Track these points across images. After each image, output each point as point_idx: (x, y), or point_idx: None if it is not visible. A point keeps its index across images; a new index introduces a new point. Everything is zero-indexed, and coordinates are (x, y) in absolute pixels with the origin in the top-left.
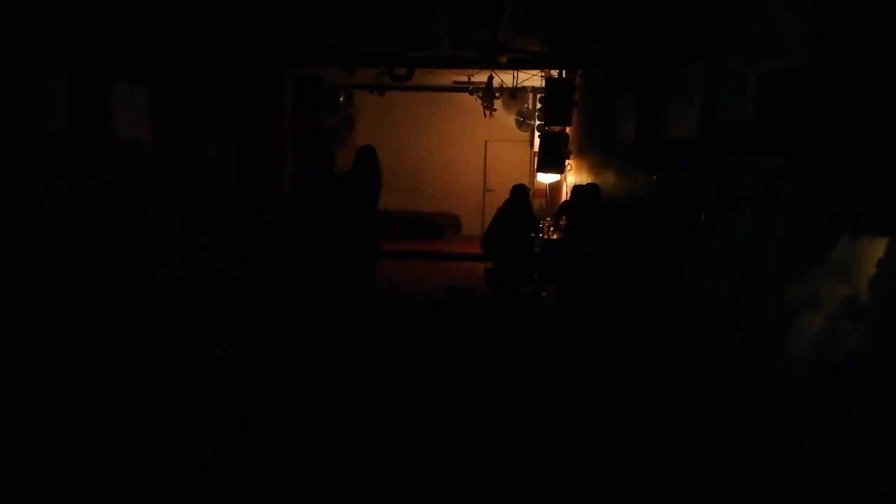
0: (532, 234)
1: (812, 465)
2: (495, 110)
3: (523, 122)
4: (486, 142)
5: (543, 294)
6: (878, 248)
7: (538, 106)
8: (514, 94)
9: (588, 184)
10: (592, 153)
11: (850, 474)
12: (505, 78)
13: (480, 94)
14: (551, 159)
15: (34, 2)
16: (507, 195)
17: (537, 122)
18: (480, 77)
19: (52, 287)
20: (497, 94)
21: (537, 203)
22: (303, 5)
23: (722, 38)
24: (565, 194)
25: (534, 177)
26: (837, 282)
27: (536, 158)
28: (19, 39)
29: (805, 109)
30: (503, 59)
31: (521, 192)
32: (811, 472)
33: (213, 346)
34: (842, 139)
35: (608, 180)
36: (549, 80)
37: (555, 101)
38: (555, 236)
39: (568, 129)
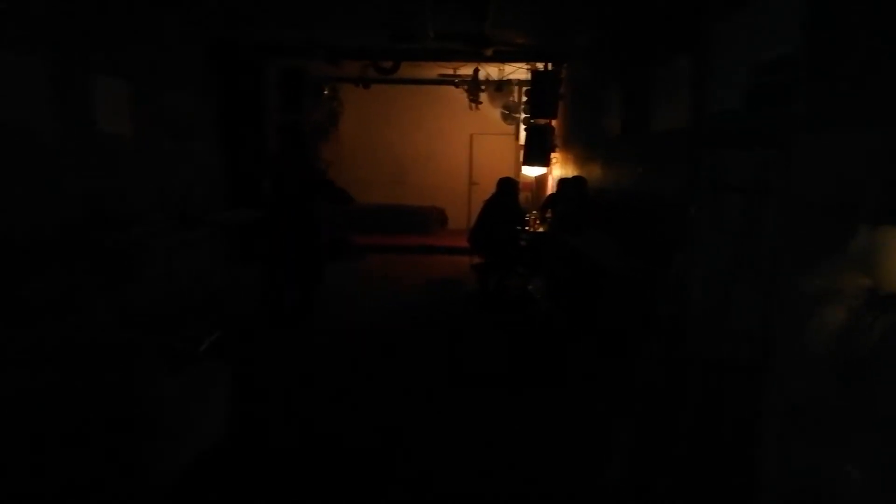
0: (518, 228)
1: (831, 461)
2: (481, 103)
3: (509, 116)
4: (471, 135)
5: (530, 287)
6: None
7: (524, 99)
8: (500, 87)
9: (574, 176)
10: (578, 146)
11: (872, 470)
12: (491, 71)
13: (466, 87)
14: (537, 152)
15: None
16: (493, 188)
17: (523, 116)
18: (466, 70)
19: (35, 284)
20: (483, 87)
21: (523, 196)
22: None
23: (711, 29)
24: (551, 187)
25: (520, 170)
26: (857, 273)
27: (522, 151)
28: None
29: (796, 101)
30: (489, 52)
31: (507, 186)
32: (830, 467)
33: (199, 342)
34: (834, 131)
35: (594, 173)
36: (534, 72)
37: (540, 94)
38: (541, 229)
39: (554, 122)
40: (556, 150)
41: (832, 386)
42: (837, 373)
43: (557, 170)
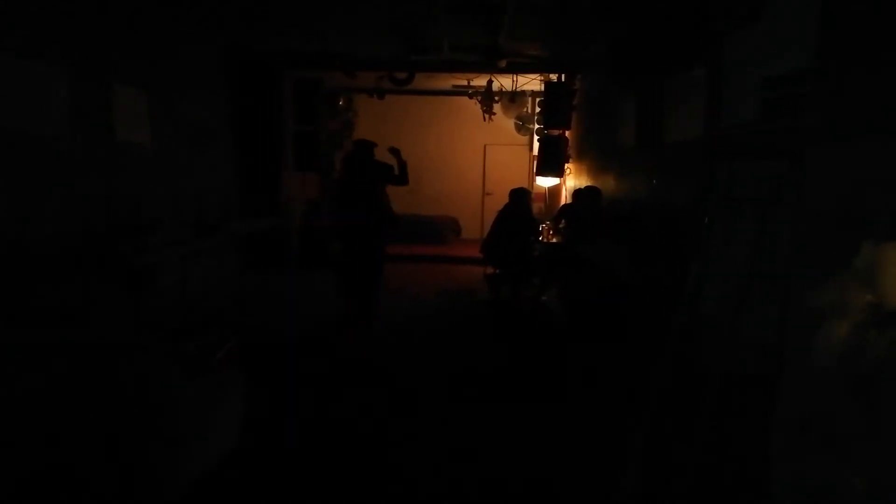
0: (532, 238)
1: (839, 475)
2: (495, 114)
3: (522, 126)
4: (485, 145)
5: (544, 298)
6: None
7: (537, 110)
8: (514, 97)
9: (588, 187)
10: (592, 157)
11: (880, 485)
12: (504, 82)
13: (480, 97)
14: (550, 163)
15: (34, 5)
16: (506, 199)
17: (536, 126)
18: (480, 81)
19: (53, 291)
20: (496, 98)
21: (536, 207)
22: (303, 9)
23: (725, 41)
24: (564, 198)
25: (533, 180)
26: (862, 288)
27: (536, 162)
28: (19, 43)
29: (810, 113)
30: (503, 64)
31: (520, 196)
32: (838, 482)
33: (214, 350)
34: (848, 143)
35: (608, 184)
36: (548, 84)
37: (554, 105)
38: (554, 240)
39: (567, 133)
40: (570, 160)
41: (839, 400)
42: (844, 387)
43: (571, 180)
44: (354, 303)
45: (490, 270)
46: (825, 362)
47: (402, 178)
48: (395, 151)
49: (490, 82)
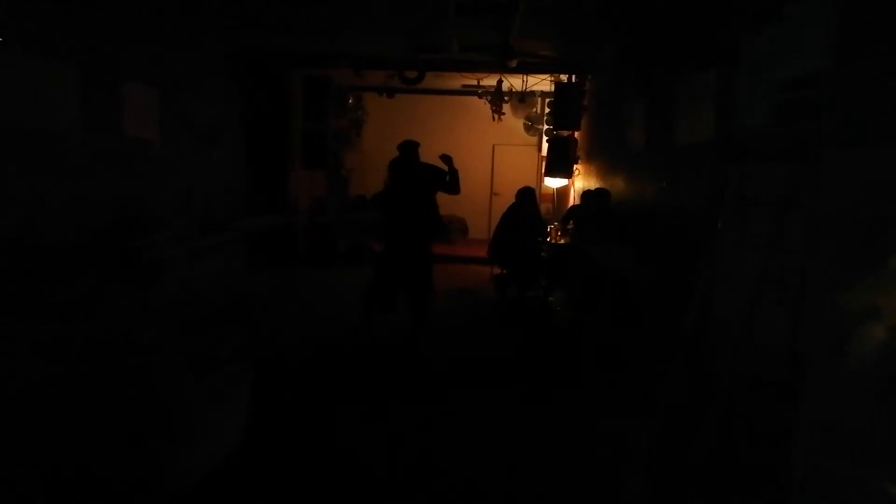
0: (539, 239)
1: (870, 480)
2: (504, 114)
3: (532, 127)
4: (494, 145)
5: (550, 299)
6: None
7: (547, 110)
8: (523, 98)
9: (597, 188)
10: (601, 158)
11: None
12: (514, 82)
13: (489, 97)
14: (559, 164)
15: (46, 3)
16: (513, 199)
17: (546, 127)
18: (490, 81)
19: (61, 286)
20: (506, 99)
21: (544, 207)
22: (313, 8)
23: (740, 43)
24: (573, 199)
25: (541, 181)
26: (894, 292)
27: (544, 163)
28: (31, 40)
29: (826, 116)
30: (513, 64)
31: (526, 196)
32: (868, 485)
33: (220, 347)
34: (865, 146)
35: (617, 185)
36: (558, 84)
37: (564, 106)
38: (562, 241)
39: (577, 134)
40: (579, 161)
41: (870, 404)
42: (875, 391)
43: (580, 181)
44: (377, 308)
45: (497, 271)
46: (855, 366)
47: (453, 186)
48: (447, 159)
49: (500, 82)
